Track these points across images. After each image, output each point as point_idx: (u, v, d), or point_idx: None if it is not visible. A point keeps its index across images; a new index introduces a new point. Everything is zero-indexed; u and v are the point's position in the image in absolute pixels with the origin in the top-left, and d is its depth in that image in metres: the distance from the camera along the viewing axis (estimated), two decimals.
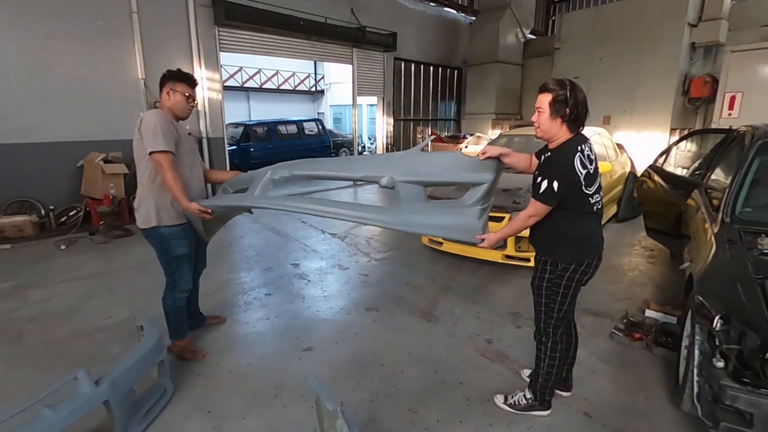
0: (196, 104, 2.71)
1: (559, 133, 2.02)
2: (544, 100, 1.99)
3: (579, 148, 1.98)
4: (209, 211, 2.49)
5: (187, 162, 2.60)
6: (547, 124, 2.01)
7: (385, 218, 2.30)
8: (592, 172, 1.99)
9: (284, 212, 7.05)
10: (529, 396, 2.32)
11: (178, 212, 2.56)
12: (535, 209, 2.03)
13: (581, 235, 2.06)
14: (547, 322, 2.18)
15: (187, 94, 2.56)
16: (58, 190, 6.15)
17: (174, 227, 2.57)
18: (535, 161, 2.24)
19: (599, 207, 2.07)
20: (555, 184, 1.94)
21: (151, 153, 2.38)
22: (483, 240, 2.17)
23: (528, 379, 2.49)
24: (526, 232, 2.23)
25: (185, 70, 2.64)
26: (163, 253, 2.64)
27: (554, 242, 2.09)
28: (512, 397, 2.36)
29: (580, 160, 1.96)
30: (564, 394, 2.46)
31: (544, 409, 2.31)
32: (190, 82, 2.60)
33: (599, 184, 2.07)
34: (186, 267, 2.71)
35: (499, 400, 2.39)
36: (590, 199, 2.01)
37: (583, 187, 1.97)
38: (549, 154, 2.06)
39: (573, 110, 1.95)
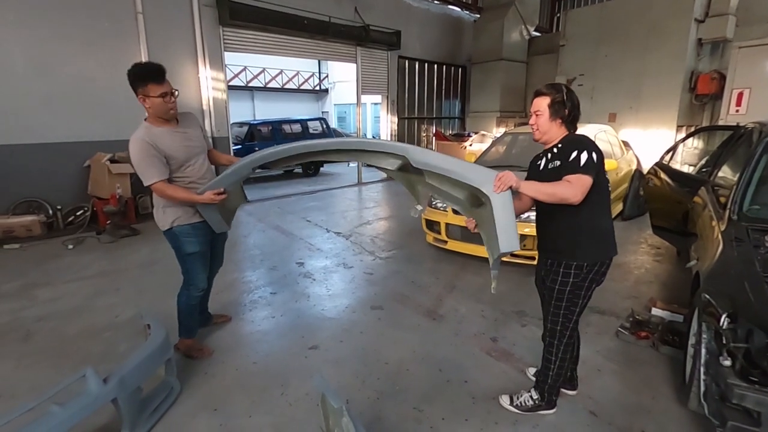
0: (177, 95, 2.47)
1: (558, 133, 2.06)
2: (542, 103, 2.03)
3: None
4: (222, 190, 2.48)
5: (188, 166, 2.57)
6: (546, 125, 2.04)
7: (403, 145, 2.22)
8: None
9: (287, 212, 7.10)
10: (535, 396, 2.31)
11: (186, 212, 2.59)
12: (582, 183, 1.86)
13: (604, 230, 2.06)
14: (566, 325, 2.14)
15: (160, 93, 2.35)
16: (66, 190, 6.20)
17: (183, 226, 2.60)
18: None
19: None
20: (594, 155, 1.90)
21: (147, 186, 2.45)
22: (498, 181, 1.88)
23: (534, 378, 2.49)
24: (532, 231, 2.21)
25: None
26: (176, 251, 2.69)
27: (576, 242, 2.02)
28: (518, 398, 2.35)
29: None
30: (570, 392, 2.46)
31: (550, 408, 2.31)
32: (156, 77, 2.35)
33: None
34: (199, 265, 2.73)
35: (504, 401, 2.37)
36: (608, 185, 2.06)
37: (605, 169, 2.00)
38: (560, 144, 2.04)
39: (571, 111, 2.02)
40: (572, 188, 1.86)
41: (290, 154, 2.46)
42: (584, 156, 1.89)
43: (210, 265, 2.90)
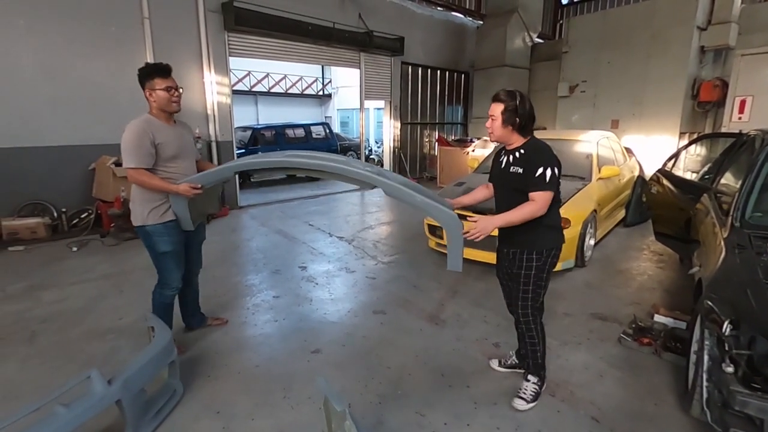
0: (182, 91, 2.69)
1: (512, 138, 2.24)
2: (497, 109, 2.20)
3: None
4: (199, 186, 2.54)
5: (175, 162, 2.63)
6: (500, 130, 2.23)
7: (379, 178, 2.26)
8: None
9: (290, 216, 7.12)
10: (535, 380, 2.43)
11: (159, 209, 2.63)
12: (546, 199, 2.13)
13: (556, 223, 2.31)
14: (533, 306, 2.35)
15: (165, 86, 2.54)
16: (70, 193, 6.24)
17: (156, 225, 2.64)
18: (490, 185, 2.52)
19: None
20: (556, 170, 2.14)
21: (126, 169, 2.50)
22: (474, 230, 2.12)
23: (530, 380, 2.49)
24: None
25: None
26: (149, 249, 2.74)
27: (537, 234, 2.23)
28: (524, 392, 2.41)
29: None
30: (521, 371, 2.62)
31: (543, 384, 2.48)
32: (163, 72, 2.56)
33: None
34: (172, 264, 2.76)
35: (520, 405, 2.38)
36: (559, 187, 2.25)
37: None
38: (523, 151, 2.22)
39: (522, 119, 2.17)
40: (538, 206, 2.12)
41: (270, 167, 2.60)
42: (549, 173, 2.11)
43: (188, 267, 2.94)
